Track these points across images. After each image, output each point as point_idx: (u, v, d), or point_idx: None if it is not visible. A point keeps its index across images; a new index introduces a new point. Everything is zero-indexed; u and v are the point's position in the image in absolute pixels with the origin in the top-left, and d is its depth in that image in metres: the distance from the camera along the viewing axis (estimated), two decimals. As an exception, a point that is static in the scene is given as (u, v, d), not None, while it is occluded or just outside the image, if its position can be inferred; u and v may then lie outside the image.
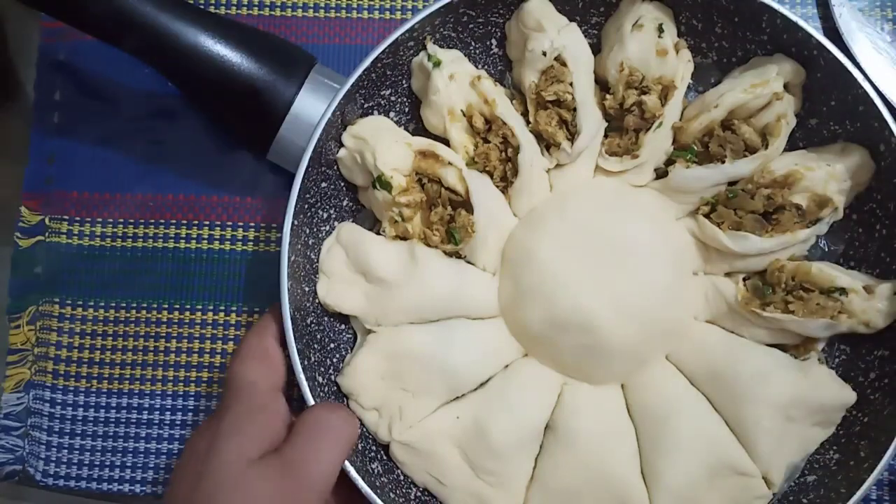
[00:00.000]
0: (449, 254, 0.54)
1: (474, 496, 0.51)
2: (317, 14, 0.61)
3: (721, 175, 0.53)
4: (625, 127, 0.55)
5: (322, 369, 0.53)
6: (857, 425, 0.51)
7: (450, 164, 0.53)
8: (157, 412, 0.59)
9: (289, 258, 0.50)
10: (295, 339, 0.50)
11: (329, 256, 0.54)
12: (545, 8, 0.54)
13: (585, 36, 0.56)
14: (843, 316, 0.51)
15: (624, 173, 0.56)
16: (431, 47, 0.54)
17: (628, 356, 0.53)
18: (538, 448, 0.53)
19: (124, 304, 0.60)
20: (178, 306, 0.60)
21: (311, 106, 0.52)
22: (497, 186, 0.55)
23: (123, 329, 0.60)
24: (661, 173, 0.56)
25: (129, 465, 0.59)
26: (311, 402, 0.49)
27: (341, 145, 0.54)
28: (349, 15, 0.62)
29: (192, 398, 0.59)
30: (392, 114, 0.57)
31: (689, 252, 0.55)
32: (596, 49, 0.56)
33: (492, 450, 0.51)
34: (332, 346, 0.55)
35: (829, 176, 0.52)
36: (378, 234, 0.55)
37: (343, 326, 0.56)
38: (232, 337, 0.60)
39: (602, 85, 0.56)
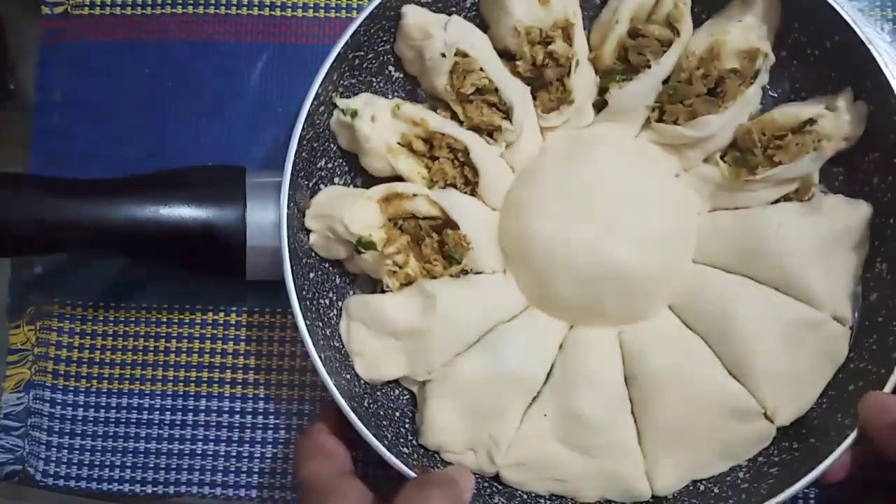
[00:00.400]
0: (455, 275, 0.54)
1: (600, 476, 0.51)
2: (317, 14, 0.61)
3: (652, 79, 0.54)
4: (548, 81, 0.55)
5: (402, 440, 0.52)
6: (886, 229, 0.52)
7: (414, 195, 0.53)
8: (157, 412, 0.59)
9: (320, 358, 0.50)
10: (366, 427, 0.49)
11: (351, 336, 0.54)
12: (422, 16, 0.54)
13: (469, 20, 0.57)
14: (823, 142, 0.53)
15: (568, 122, 0.56)
16: (342, 102, 0.54)
17: (662, 277, 0.54)
18: (629, 403, 0.53)
19: (124, 304, 0.60)
20: (178, 306, 0.59)
21: (264, 215, 0.51)
22: (465, 193, 0.56)
23: (123, 329, 0.60)
24: (601, 105, 0.56)
25: (129, 465, 0.58)
26: (411, 474, 0.49)
27: (308, 232, 0.53)
28: (349, 15, 0.61)
29: (192, 398, 0.59)
30: (336, 179, 0.56)
31: (662, 160, 0.56)
32: (484, 27, 0.57)
33: (590, 427, 0.51)
34: (397, 414, 0.54)
35: (744, 30, 0.54)
36: (383, 292, 0.54)
37: (397, 391, 0.55)
38: (232, 337, 0.59)
39: (506, 55, 0.56)
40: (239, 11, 0.62)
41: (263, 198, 0.52)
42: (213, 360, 0.59)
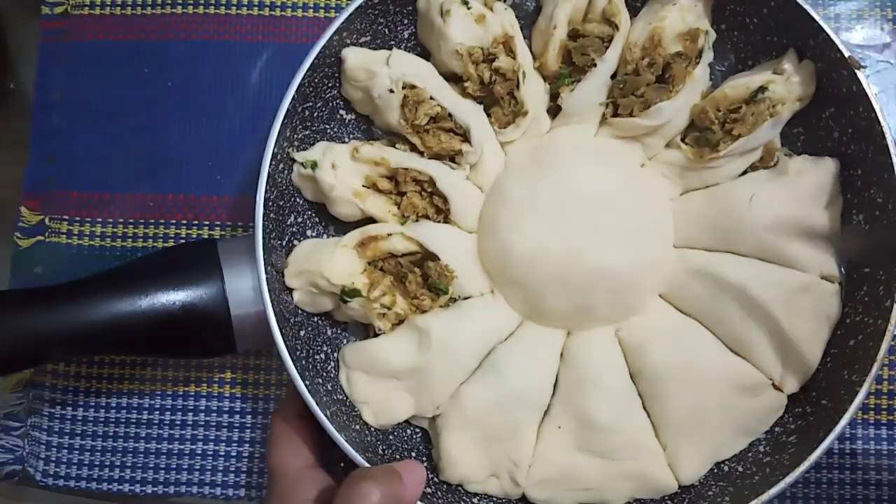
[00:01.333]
0: (445, 305, 0.54)
1: (624, 478, 0.51)
2: (316, 14, 0.61)
3: (600, 76, 0.55)
4: (498, 97, 0.55)
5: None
6: (856, 181, 0.53)
7: (389, 234, 0.53)
8: (157, 412, 0.59)
9: (325, 416, 0.49)
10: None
11: (352, 386, 0.53)
12: (363, 56, 0.54)
13: (409, 50, 0.57)
14: (777, 107, 0.53)
15: (526, 133, 0.56)
16: (299, 155, 0.54)
17: (647, 269, 0.54)
18: (639, 399, 0.53)
19: None
20: None
21: (243, 283, 0.50)
22: (438, 222, 0.55)
23: None
24: (555, 111, 0.56)
25: (129, 465, 0.59)
26: None
27: (291, 291, 0.53)
28: None
29: (192, 398, 0.59)
30: (309, 232, 0.56)
31: (625, 153, 0.56)
32: (425, 55, 0.57)
33: (605, 430, 0.51)
34: (413, 455, 0.54)
35: (681, 12, 0.54)
36: (377, 334, 0.54)
37: (409, 431, 0.55)
38: None
39: (453, 78, 0.56)
40: (239, 11, 0.62)
41: (239, 266, 0.51)
42: (212, 360, 0.59)
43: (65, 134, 0.62)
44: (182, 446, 0.59)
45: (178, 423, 0.59)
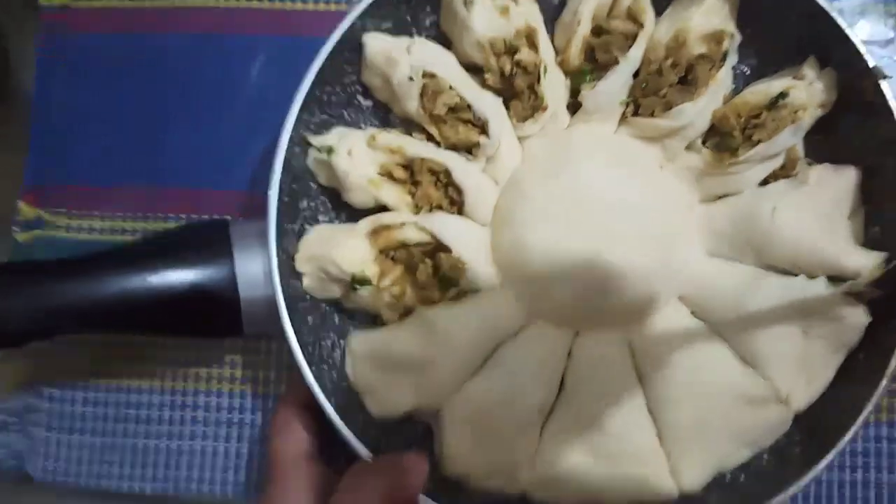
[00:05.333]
0: (454, 298, 0.54)
1: (626, 482, 0.51)
2: (317, 6, 0.61)
3: (622, 74, 0.54)
4: (518, 90, 0.55)
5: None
6: (875, 192, 0.52)
7: (402, 224, 0.53)
8: (157, 409, 0.59)
9: (329, 403, 0.49)
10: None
11: (357, 375, 0.53)
12: (383, 43, 0.54)
13: (430, 39, 0.56)
14: (799, 113, 0.52)
15: (545, 128, 0.56)
16: (316, 140, 0.53)
17: (663, 273, 0.53)
18: (645, 402, 0.52)
19: None
20: None
21: (253, 266, 0.50)
22: (452, 213, 0.55)
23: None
24: (575, 107, 0.56)
25: (128, 462, 0.58)
26: None
27: (300, 275, 0.53)
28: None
29: (192, 395, 0.59)
30: (321, 217, 0.56)
31: (644, 153, 0.55)
32: (446, 43, 0.56)
33: (608, 433, 0.51)
34: (414, 447, 0.54)
35: (707, 13, 0.53)
36: (384, 324, 0.54)
37: (411, 424, 0.55)
38: None
39: (473, 69, 0.56)
40: (238, 4, 0.61)
41: (250, 248, 0.51)
42: (212, 357, 0.59)
43: (65, 131, 0.61)
44: (181, 443, 0.58)
45: (177, 420, 0.58)
